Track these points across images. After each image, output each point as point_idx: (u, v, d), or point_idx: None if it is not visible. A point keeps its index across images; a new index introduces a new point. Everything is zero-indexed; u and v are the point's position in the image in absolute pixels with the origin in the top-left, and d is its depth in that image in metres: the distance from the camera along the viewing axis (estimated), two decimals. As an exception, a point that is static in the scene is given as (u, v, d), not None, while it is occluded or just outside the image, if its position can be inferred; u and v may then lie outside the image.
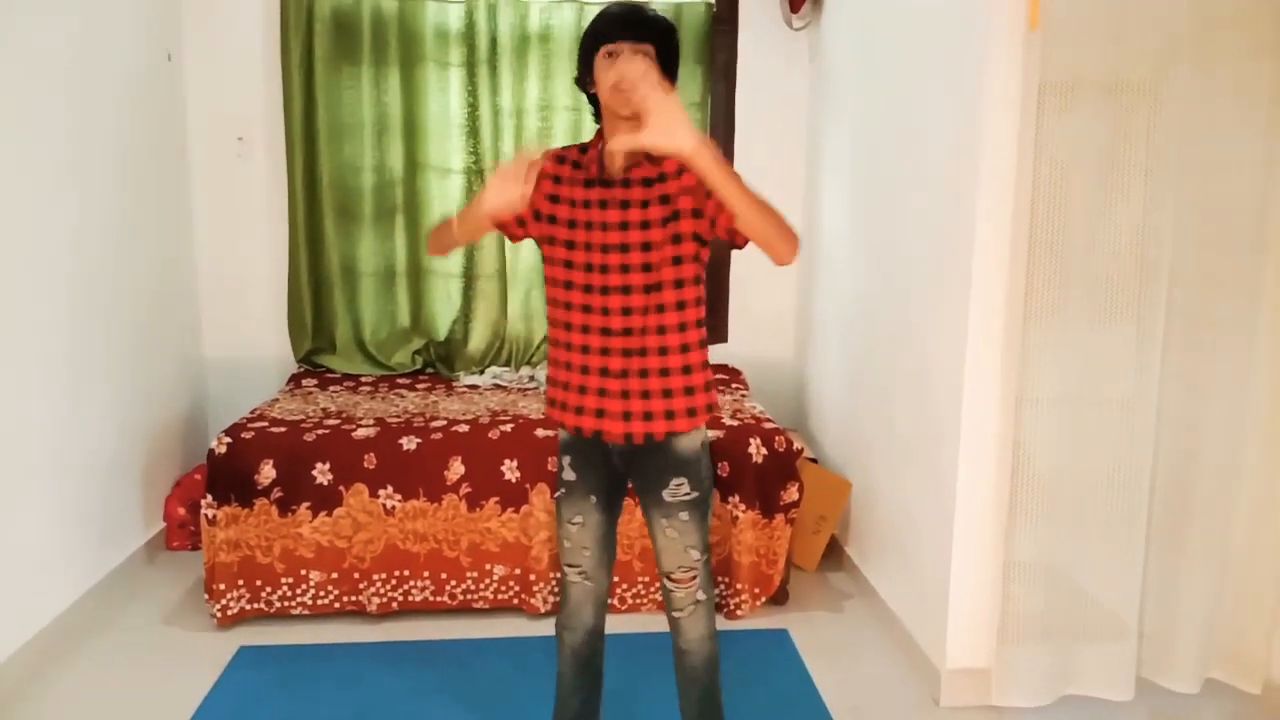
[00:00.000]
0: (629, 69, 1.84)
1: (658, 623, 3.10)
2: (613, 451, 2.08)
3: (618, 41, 1.88)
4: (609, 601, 3.17)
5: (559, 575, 3.14)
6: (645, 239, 1.95)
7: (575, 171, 2.01)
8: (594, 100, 2.01)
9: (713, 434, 3.23)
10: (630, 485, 2.17)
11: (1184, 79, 2.45)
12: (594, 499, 2.12)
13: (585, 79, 1.98)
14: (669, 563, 2.10)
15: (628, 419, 2.01)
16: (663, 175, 1.97)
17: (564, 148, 2.08)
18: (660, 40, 1.92)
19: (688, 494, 2.06)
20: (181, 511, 3.66)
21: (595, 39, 1.92)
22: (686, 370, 2.02)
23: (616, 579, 3.19)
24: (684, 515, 2.06)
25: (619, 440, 2.03)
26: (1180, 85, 2.45)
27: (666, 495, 2.05)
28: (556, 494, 2.17)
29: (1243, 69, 2.47)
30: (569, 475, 2.12)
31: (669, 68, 1.94)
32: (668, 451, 2.04)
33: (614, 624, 3.05)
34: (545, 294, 2.09)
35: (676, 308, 1.99)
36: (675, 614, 2.13)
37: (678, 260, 1.97)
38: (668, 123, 1.67)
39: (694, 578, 2.10)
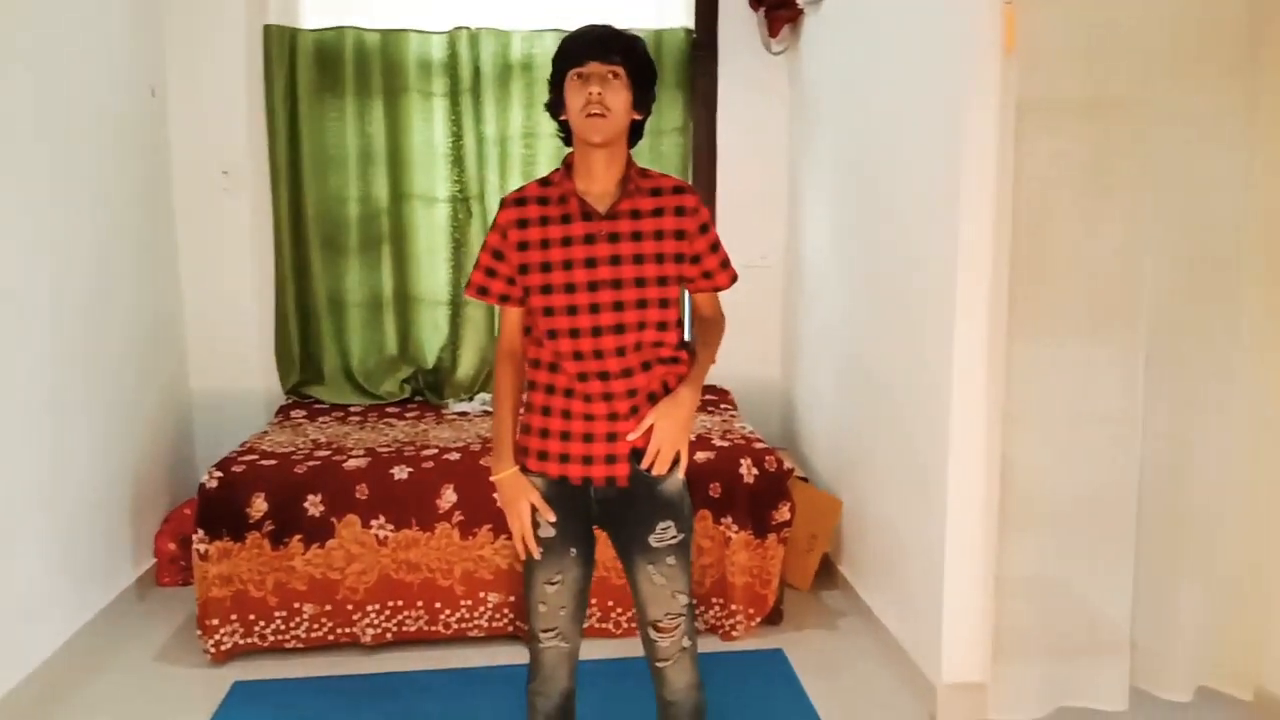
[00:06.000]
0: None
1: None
2: (592, 499, 1.97)
3: (587, 63, 1.83)
4: (604, 624, 3.19)
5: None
6: (639, 274, 1.88)
7: (547, 209, 1.91)
8: (565, 126, 1.93)
9: (702, 455, 3.25)
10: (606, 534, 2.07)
11: (1159, 98, 2.49)
12: (574, 552, 1.99)
13: (557, 105, 1.92)
14: (656, 611, 1.99)
15: (614, 461, 1.94)
16: (659, 210, 1.91)
17: (519, 190, 1.97)
18: (629, 59, 1.85)
19: (674, 537, 1.97)
20: (172, 547, 3.64)
21: (564, 62, 1.87)
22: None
23: (611, 603, 3.19)
24: (671, 560, 1.97)
25: (615, 483, 1.94)
26: (1156, 104, 2.49)
27: (653, 541, 1.96)
28: (526, 558, 2.00)
29: (1216, 87, 2.52)
30: (546, 532, 1.96)
31: (642, 86, 1.89)
32: (653, 494, 1.95)
33: (609, 649, 3.07)
34: (528, 333, 2.00)
35: (675, 347, 1.95)
36: (660, 664, 2.03)
37: (664, 302, 1.91)
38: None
39: (680, 625, 2.00)
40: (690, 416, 1.94)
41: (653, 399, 1.94)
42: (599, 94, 1.82)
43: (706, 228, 1.97)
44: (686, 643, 2.02)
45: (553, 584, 1.99)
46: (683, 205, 1.94)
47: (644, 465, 1.92)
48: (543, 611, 2.01)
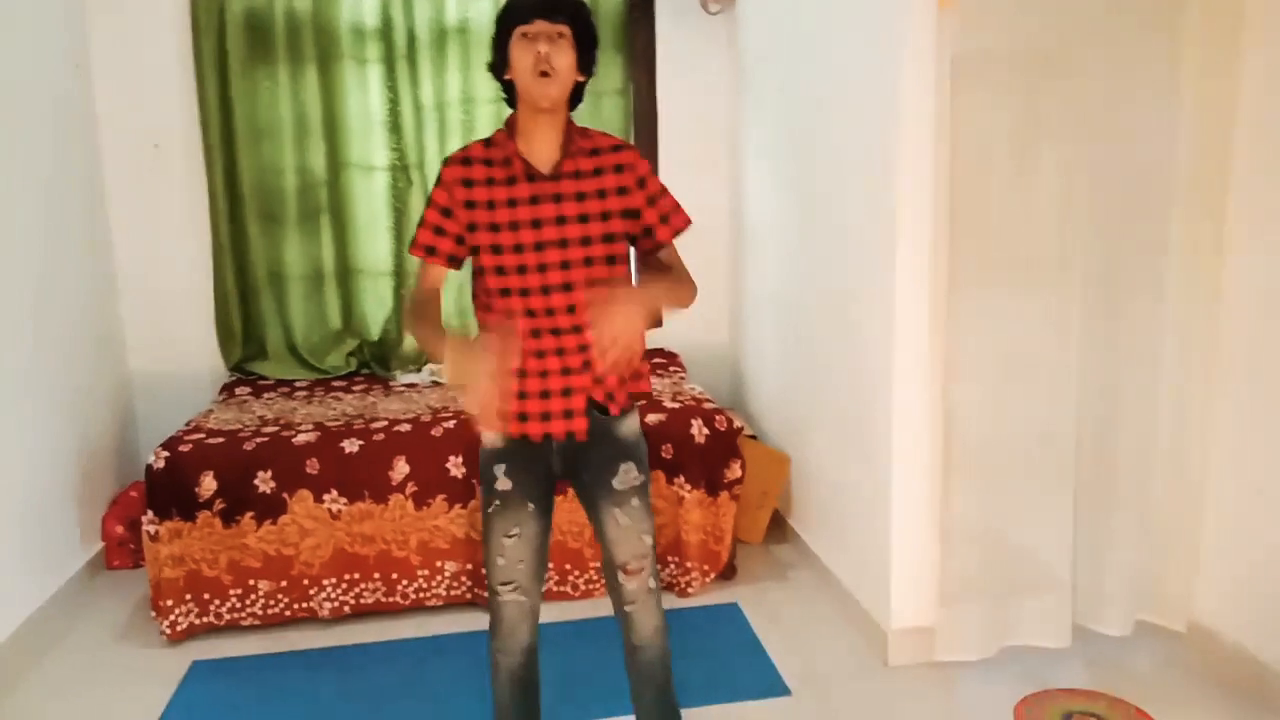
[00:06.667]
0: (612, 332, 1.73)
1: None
2: (553, 451, 2.00)
3: (534, 21, 1.83)
4: (564, 588, 3.23)
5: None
6: (584, 233, 1.91)
7: (492, 170, 1.92)
8: (508, 87, 1.93)
9: (654, 417, 3.28)
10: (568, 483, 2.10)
11: (1089, 51, 2.54)
12: (532, 506, 2.01)
13: (500, 65, 1.91)
14: (624, 553, 2.03)
15: (572, 415, 1.96)
16: (599, 169, 1.94)
17: (463, 149, 1.97)
18: (576, 19, 1.87)
19: (636, 478, 2.02)
20: (120, 530, 3.60)
21: (509, 21, 1.86)
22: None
23: (568, 566, 3.22)
24: (635, 501, 2.02)
25: (575, 438, 1.97)
26: (1085, 57, 2.54)
27: (617, 484, 2.00)
28: (487, 509, 2.03)
29: (1143, 40, 2.57)
30: (504, 485, 1.99)
31: (585, 47, 1.90)
32: (613, 439, 2.00)
33: (568, 611, 3.11)
34: (476, 299, 2.01)
35: None
36: (628, 607, 2.07)
37: (611, 259, 1.94)
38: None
39: (645, 566, 2.05)
40: (636, 314, 1.76)
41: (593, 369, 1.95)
42: (547, 53, 1.83)
43: (644, 181, 1.98)
44: (652, 584, 2.07)
45: (510, 536, 2.01)
46: (620, 163, 1.96)
47: (599, 371, 1.90)
48: (501, 565, 2.02)
